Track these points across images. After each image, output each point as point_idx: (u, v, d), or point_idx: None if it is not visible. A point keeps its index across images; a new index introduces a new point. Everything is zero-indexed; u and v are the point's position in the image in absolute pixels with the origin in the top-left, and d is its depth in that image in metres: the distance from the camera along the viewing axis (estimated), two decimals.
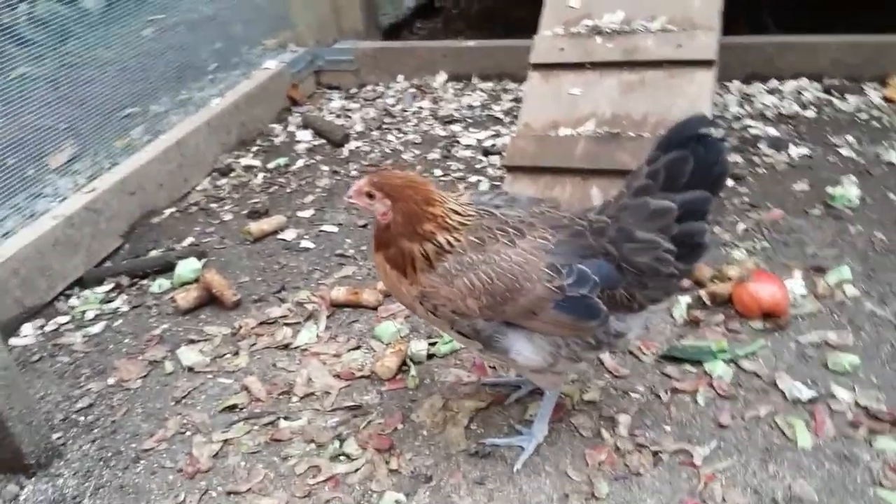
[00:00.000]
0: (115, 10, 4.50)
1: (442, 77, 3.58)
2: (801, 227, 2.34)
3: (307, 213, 2.78)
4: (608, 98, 2.67)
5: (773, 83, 3.14)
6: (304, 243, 2.60)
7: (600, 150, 2.56)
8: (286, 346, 2.12)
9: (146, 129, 3.70)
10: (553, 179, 2.60)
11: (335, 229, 2.67)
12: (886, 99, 2.93)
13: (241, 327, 2.21)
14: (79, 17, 4.27)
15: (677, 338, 1.97)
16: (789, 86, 3.10)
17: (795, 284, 2.08)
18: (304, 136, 3.32)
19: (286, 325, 2.21)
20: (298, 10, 3.64)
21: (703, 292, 2.07)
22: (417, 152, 3.09)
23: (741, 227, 2.37)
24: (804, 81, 3.10)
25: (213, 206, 2.92)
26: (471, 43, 3.57)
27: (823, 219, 2.36)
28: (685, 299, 2.07)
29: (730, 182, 2.62)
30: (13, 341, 2.25)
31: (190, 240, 2.71)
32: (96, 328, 2.30)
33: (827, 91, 3.04)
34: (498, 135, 3.13)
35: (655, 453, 1.65)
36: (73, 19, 4.15)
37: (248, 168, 3.13)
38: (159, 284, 2.47)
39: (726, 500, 1.53)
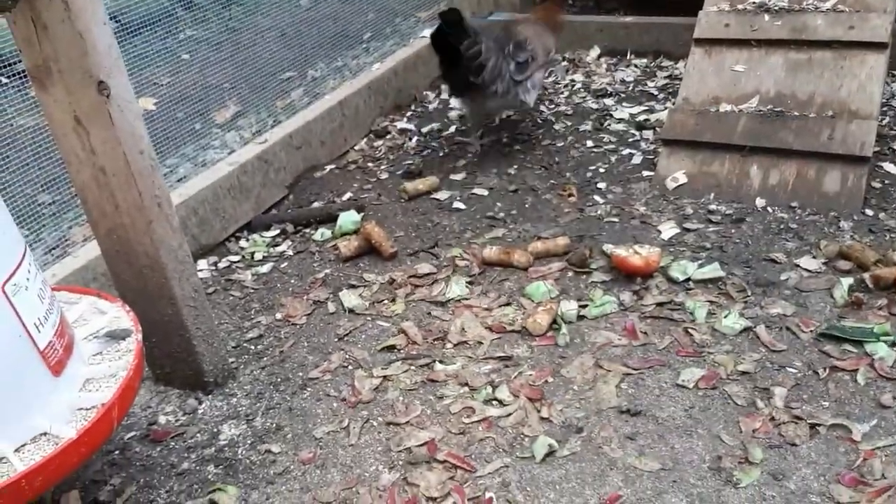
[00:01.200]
0: None
1: (596, 52, 3.58)
2: None
3: (459, 177, 2.86)
4: (773, 76, 2.62)
5: None
6: (456, 204, 2.69)
7: (763, 128, 2.53)
8: (439, 298, 2.21)
9: (305, 92, 3.89)
10: (711, 155, 2.58)
11: (486, 192, 2.74)
12: None
13: (397, 278, 2.32)
14: None
15: (837, 318, 1.94)
16: None
17: None
18: (457, 103, 3.40)
19: (439, 279, 2.30)
20: None
21: (866, 275, 2.03)
22: (569, 123, 3.11)
23: None
24: None
25: (370, 164, 3.05)
26: (627, 19, 3.56)
27: None
28: (847, 280, 2.03)
29: (895, 169, 2.52)
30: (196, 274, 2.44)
31: (349, 194, 2.84)
32: (265, 268, 2.47)
33: None
34: (652, 110, 3.12)
35: (813, 426, 1.64)
36: None
37: (402, 131, 3.25)
38: (321, 233, 2.62)
39: (886, 476, 1.51)
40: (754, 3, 2.74)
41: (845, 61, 2.55)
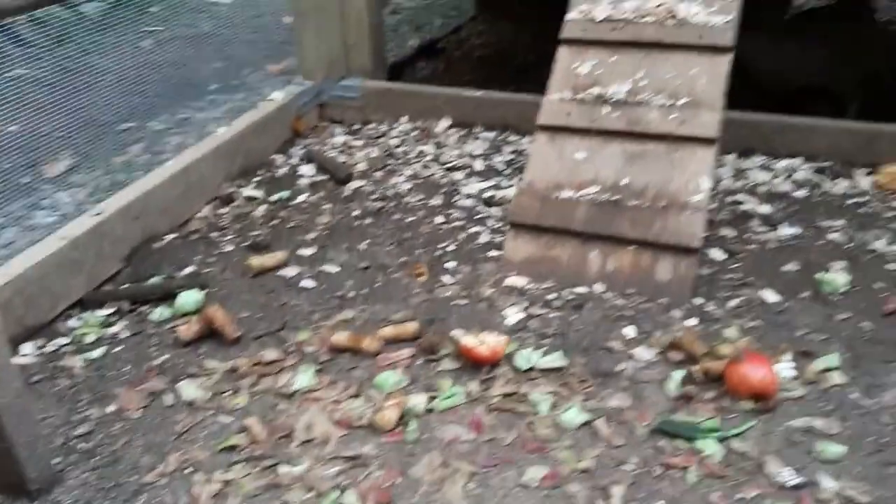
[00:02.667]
0: (113, 18, 4.53)
1: (445, 122, 3.65)
2: (790, 309, 2.42)
3: (308, 251, 2.82)
4: (611, 165, 2.75)
5: (767, 160, 3.24)
6: (305, 282, 2.64)
7: (601, 216, 2.64)
8: (285, 390, 2.15)
9: (145, 148, 3.73)
10: (554, 239, 2.67)
11: (336, 270, 2.71)
12: (877, 185, 3.05)
13: (241, 366, 2.24)
14: (77, 21, 4.29)
15: (670, 412, 2.04)
16: (783, 164, 3.21)
17: (784, 367, 2.16)
18: (307, 170, 3.36)
19: (286, 367, 2.24)
20: (309, 44, 3.70)
21: (696, 368, 2.15)
22: (420, 197, 3.14)
23: (732, 304, 2.46)
24: (797, 161, 3.21)
25: (214, 234, 2.94)
26: (476, 93, 3.65)
27: (812, 302, 2.45)
28: (679, 373, 2.14)
29: (722, 256, 2.71)
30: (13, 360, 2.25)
31: (191, 269, 2.73)
32: (96, 353, 2.32)
33: (819, 172, 3.15)
34: (498, 186, 3.20)
35: None
36: (72, 23, 4.17)
37: (250, 199, 3.17)
38: (160, 313, 2.49)
39: None
40: (594, 94, 2.87)
41: (677, 154, 2.71)
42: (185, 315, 2.47)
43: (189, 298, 2.50)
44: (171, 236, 2.91)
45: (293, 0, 3.71)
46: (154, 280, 2.66)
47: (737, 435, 1.94)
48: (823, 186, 3.09)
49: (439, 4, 5.95)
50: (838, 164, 3.18)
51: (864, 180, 3.09)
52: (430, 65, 4.68)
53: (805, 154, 3.24)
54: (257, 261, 2.71)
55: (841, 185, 3.08)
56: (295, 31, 3.81)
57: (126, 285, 2.65)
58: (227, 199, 3.16)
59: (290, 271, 2.70)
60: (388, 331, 2.35)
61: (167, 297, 2.55)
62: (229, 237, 2.93)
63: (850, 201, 3.00)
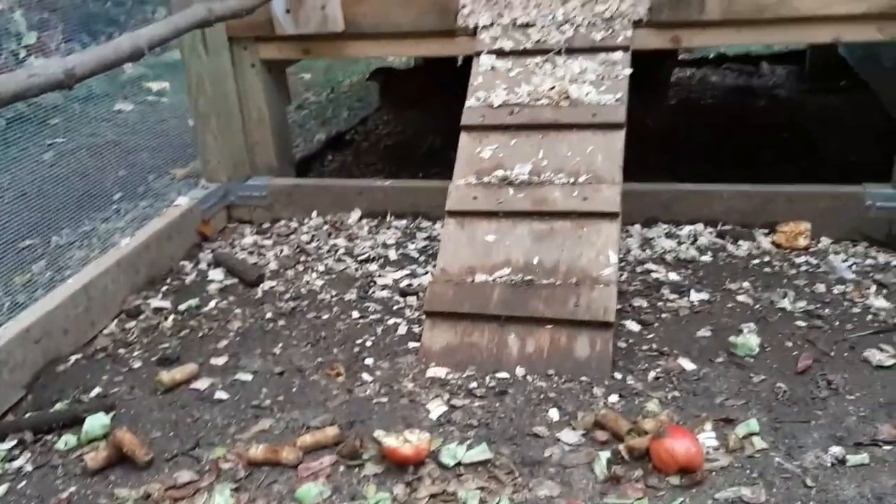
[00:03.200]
0: (13, 132, 4.42)
1: (356, 214, 3.64)
2: (707, 376, 2.45)
3: (220, 361, 2.72)
4: (521, 246, 2.78)
5: (671, 228, 3.32)
6: (218, 394, 2.54)
7: (515, 298, 2.64)
8: None
9: (48, 264, 3.60)
10: (471, 325, 2.65)
11: (250, 377, 2.62)
12: (776, 244, 3.15)
13: (153, 491, 2.12)
14: None
15: (599, 495, 2.01)
16: (686, 230, 3.29)
17: (707, 437, 2.16)
18: (216, 275, 3.29)
19: (201, 488, 2.13)
20: (211, 146, 3.67)
21: (621, 447, 2.13)
22: (334, 293, 3.10)
23: (651, 375, 2.47)
24: (700, 227, 3.30)
25: (122, 351, 2.83)
26: (385, 182, 3.66)
27: (728, 367, 2.48)
28: (605, 454, 2.12)
29: (637, 327, 2.73)
30: None
31: (97, 390, 2.60)
32: None
33: (721, 236, 3.24)
34: (414, 274, 3.19)
35: None
36: None
37: (157, 310, 3.06)
38: (65, 441, 2.35)
39: None
40: (498, 176, 2.91)
41: (584, 230, 2.75)
42: (92, 441, 2.34)
43: (96, 423, 2.38)
44: (76, 357, 2.79)
45: (192, 103, 3.67)
46: (59, 406, 2.53)
47: None
48: (727, 249, 3.18)
49: (345, 97, 6.02)
50: (738, 227, 3.28)
51: (764, 241, 3.19)
52: (339, 157, 4.70)
53: (705, 219, 3.34)
54: (167, 376, 2.61)
55: (743, 247, 3.18)
56: (197, 134, 3.78)
57: (29, 414, 2.50)
58: (134, 313, 3.05)
59: (201, 384, 2.60)
60: (308, 438, 2.27)
61: (74, 423, 2.42)
62: (137, 353, 2.82)
63: (754, 262, 3.08)
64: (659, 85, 4.84)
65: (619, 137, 2.89)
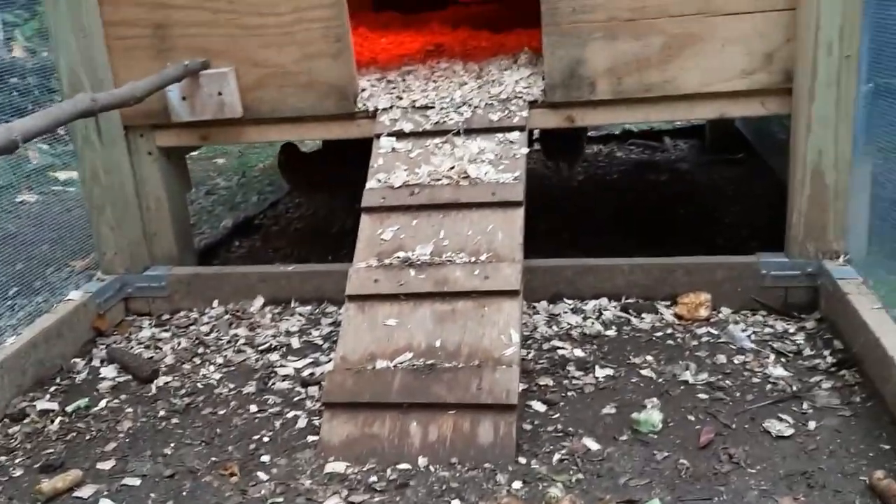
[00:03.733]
0: None
1: (259, 301, 3.54)
2: (611, 455, 2.40)
3: (107, 465, 2.56)
4: (423, 329, 2.72)
5: (576, 303, 3.32)
6: (102, 502, 2.38)
7: (417, 384, 2.57)
8: None
9: None
10: (372, 415, 2.56)
11: (138, 482, 2.47)
12: (677, 316, 3.17)
13: None
14: None
15: None
16: (591, 305, 3.30)
17: None
18: (109, 372, 3.13)
19: None
20: (106, 237, 3.54)
21: None
22: (232, 386, 2.98)
23: (556, 457, 2.41)
24: (604, 301, 3.31)
25: (2, 458, 2.63)
26: (289, 268, 3.58)
27: (632, 445, 2.45)
28: None
29: (542, 407, 2.68)
30: None
31: None
32: None
33: (625, 310, 3.26)
34: (317, 363, 3.09)
35: None
36: None
37: (43, 412, 2.88)
38: None
39: None
40: (399, 257, 2.87)
41: (485, 309, 2.72)
42: None
43: None
44: None
45: (87, 194, 3.56)
46: None
47: None
48: (631, 323, 3.19)
49: (256, 181, 5.96)
50: (641, 300, 3.30)
51: (666, 312, 3.21)
52: (247, 243, 4.61)
53: (608, 293, 3.35)
54: (48, 485, 2.43)
55: (647, 320, 3.19)
56: (92, 225, 3.65)
57: None
58: (19, 417, 2.87)
59: (85, 491, 2.43)
60: None
61: None
62: (19, 459, 2.64)
63: (657, 335, 3.09)
64: (576, 139, 4.96)
65: (519, 215, 2.89)
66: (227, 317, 3.49)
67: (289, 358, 3.15)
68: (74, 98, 2.53)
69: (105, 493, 2.42)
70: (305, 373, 3.03)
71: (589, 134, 6.50)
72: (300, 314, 3.48)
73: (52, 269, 4.43)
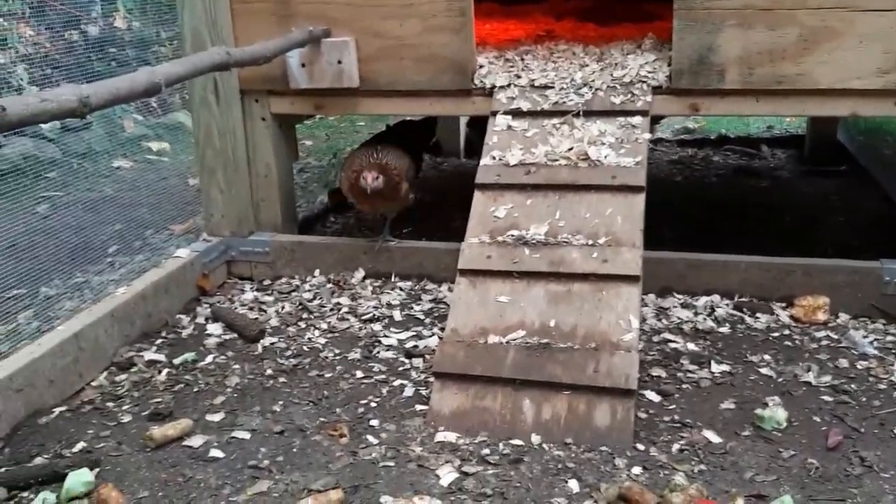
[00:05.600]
0: (5, 184, 4.33)
1: (360, 273, 3.53)
2: (734, 450, 2.31)
3: (217, 417, 2.57)
4: (536, 308, 2.66)
5: (686, 298, 3.23)
6: (213, 452, 2.38)
7: (530, 362, 2.52)
8: None
9: (35, 315, 3.44)
10: (483, 388, 2.52)
11: (248, 436, 2.47)
12: (794, 319, 3.05)
13: None
14: None
15: None
16: (702, 301, 3.19)
17: None
18: (215, 329, 3.15)
19: None
20: (215, 199, 3.58)
21: None
22: (337, 351, 2.96)
23: (676, 447, 2.33)
24: (716, 298, 3.20)
25: (110, 405, 2.67)
26: (391, 242, 3.56)
27: (755, 441, 2.35)
28: None
29: (657, 398, 2.60)
30: None
31: (81, 444, 2.43)
32: None
33: (738, 308, 3.15)
34: (420, 336, 3.06)
35: None
36: None
37: (151, 363, 2.91)
38: (43, 499, 2.17)
39: None
40: (513, 236, 2.82)
41: (602, 293, 2.65)
42: (73, 499, 2.17)
43: (78, 479, 2.20)
44: (60, 409, 2.62)
45: (199, 155, 3.60)
46: (38, 461, 2.35)
47: None
48: (745, 322, 3.08)
49: None
50: (755, 300, 3.18)
51: (782, 314, 3.09)
52: (341, 220, 4.61)
53: (721, 291, 3.24)
54: (158, 431, 2.45)
55: (762, 320, 3.08)
56: (202, 187, 3.69)
57: (4, 469, 2.32)
58: (126, 365, 2.90)
59: (195, 441, 2.44)
60: (309, 502, 2.10)
61: (53, 479, 2.24)
62: (127, 407, 2.66)
63: (773, 335, 2.98)
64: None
65: (640, 201, 2.82)
66: (329, 286, 3.48)
67: (392, 329, 3.12)
68: (211, 50, 2.55)
69: (215, 444, 2.43)
70: (409, 344, 2.99)
71: (682, 137, 6.40)
72: (401, 288, 3.45)
73: (151, 232, 4.51)
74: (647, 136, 3.03)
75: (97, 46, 5.42)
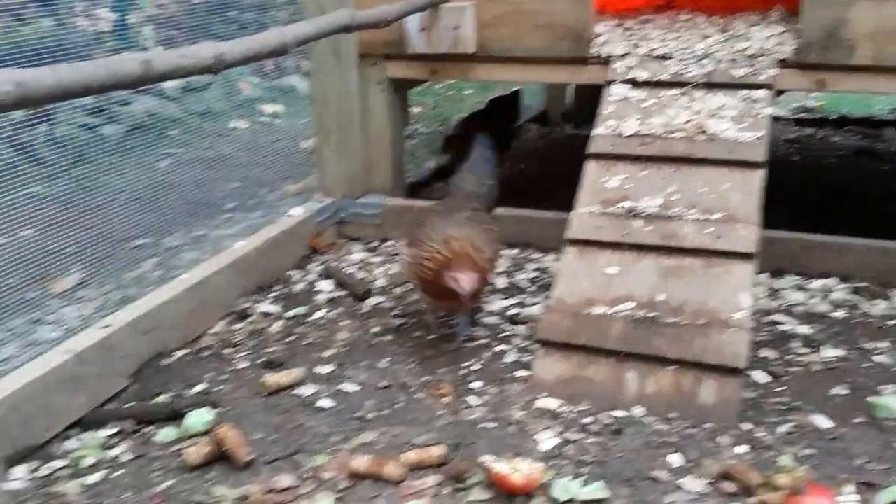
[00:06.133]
0: (132, 139, 4.54)
1: None
2: (844, 436, 2.25)
3: (326, 369, 2.67)
4: (645, 281, 2.64)
5: (801, 280, 3.13)
6: (322, 402, 2.48)
7: (636, 334, 2.50)
8: None
9: (158, 263, 3.63)
10: (586, 358, 2.52)
11: (355, 388, 2.55)
12: None
13: (252, 493, 2.05)
14: (97, 143, 4.29)
15: None
16: (818, 284, 3.09)
17: (848, 500, 1.97)
18: (325, 286, 3.26)
19: (301, 494, 2.05)
20: (329, 161, 3.68)
21: (753, 501, 1.95)
22: (441, 314, 3.01)
23: (783, 429, 2.28)
24: (832, 281, 3.09)
25: (227, 351, 2.80)
26: (498, 210, 3.57)
27: (867, 429, 2.28)
28: None
29: (765, 379, 2.55)
30: (3, 486, 2.08)
31: (201, 386, 2.58)
32: (94, 478, 2.14)
33: (855, 292, 3.03)
34: (523, 304, 3.08)
35: None
36: (91, 144, 4.18)
37: (265, 314, 3.04)
38: (165, 434, 2.32)
39: None
40: (625, 207, 2.79)
41: (714, 270, 2.60)
42: (193, 436, 2.30)
43: (198, 418, 2.34)
44: (182, 352, 2.78)
45: (316, 117, 3.69)
46: (161, 399, 2.51)
47: None
48: (862, 307, 2.96)
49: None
50: (874, 285, 3.06)
51: None
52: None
53: (838, 274, 3.13)
54: (272, 379, 2.56)
55: (880, 306, 2.96)
56: (317, 148, 3.79)
57: (131, 404, 2.48)
58: (242, 315, 3.04)
59: (306, 390, 2.54)
60: (412, 456, 2.17)
61: (174, 416, 2.39)
62: (243, 354, 2.79)
63: (890, 322, 2.86)
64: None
65: (759, 177, 2.74)
66: None
67: (495, 295, 3.15)
68: (336, 12, 2.60)
69: (324, 394, 2.52)
70: (512, 311, 3.02)
71: (800, 116, 6.14)
72: (506, 256, 3.47)
73: (266, 190, 4.67)
74: (770, 110, 2.93)
75: (219, 10, 5.60)
